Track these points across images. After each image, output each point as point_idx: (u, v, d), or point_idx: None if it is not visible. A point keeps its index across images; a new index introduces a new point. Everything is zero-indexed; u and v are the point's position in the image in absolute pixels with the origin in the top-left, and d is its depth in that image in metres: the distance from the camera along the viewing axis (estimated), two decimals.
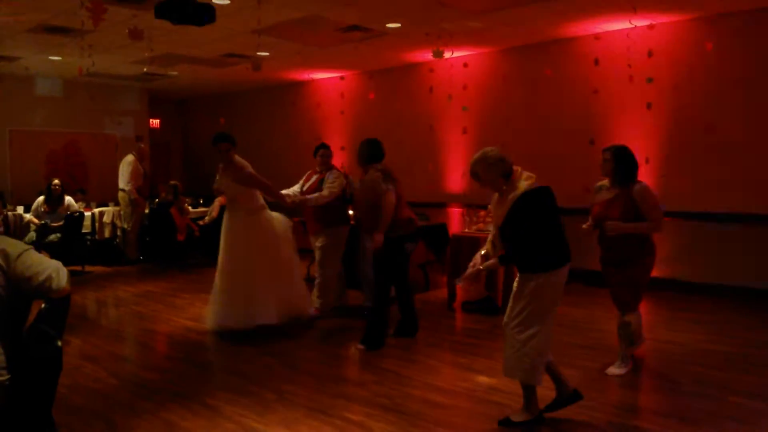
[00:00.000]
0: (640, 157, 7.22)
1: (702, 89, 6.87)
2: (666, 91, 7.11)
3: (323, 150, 6.08)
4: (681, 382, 4.12)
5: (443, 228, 7.67)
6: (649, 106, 7.04)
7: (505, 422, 3.43)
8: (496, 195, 3.49)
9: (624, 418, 3.58)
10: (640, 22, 6.89)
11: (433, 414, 3.61)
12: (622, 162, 4.19)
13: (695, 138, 6.93)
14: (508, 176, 3.40)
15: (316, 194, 5.81)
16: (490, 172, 3.40)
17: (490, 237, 3.66)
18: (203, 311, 5.92)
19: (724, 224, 6.78)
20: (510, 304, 3.45)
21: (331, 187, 5.83)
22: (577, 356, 4.65)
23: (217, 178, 5.56)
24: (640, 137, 7.29)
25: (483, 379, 4.20)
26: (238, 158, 5.46)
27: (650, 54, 6.86)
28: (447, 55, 7.01)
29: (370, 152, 5.16)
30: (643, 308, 6.53)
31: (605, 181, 4.34)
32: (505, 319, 3.46)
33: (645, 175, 7.27)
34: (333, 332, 5.59)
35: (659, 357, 4.71)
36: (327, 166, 6.03)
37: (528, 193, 3.32)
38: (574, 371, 4.30)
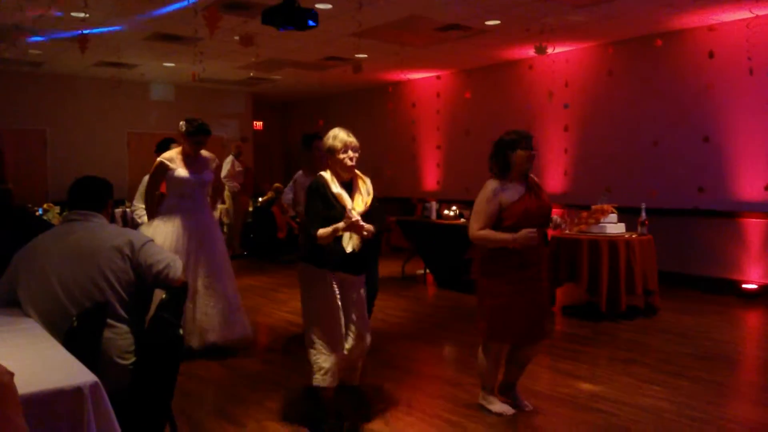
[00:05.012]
0: (761, 156, 6.78)
1: None
2: None
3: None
4: None
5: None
6: None
7: None
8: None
9: None
10: (762, 10, 6.40)
11: (533, 420, 3.53)
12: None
13: None
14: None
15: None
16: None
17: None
18: None
19: None
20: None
21: None
22: (690, 367, 4.39)
23: (183, 172, 4.64)
24: (761, 135, 6.77)
25: (585, 386, 4.06)
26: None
27: None
28: (549, 50, 6.82)
29: None
30: (742, 314, 6.10)
31: (495, 182, 3.56)
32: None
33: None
34: (428, 330, 5.59)
35: None
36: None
37: None
38: (685, 382, 4.08)
